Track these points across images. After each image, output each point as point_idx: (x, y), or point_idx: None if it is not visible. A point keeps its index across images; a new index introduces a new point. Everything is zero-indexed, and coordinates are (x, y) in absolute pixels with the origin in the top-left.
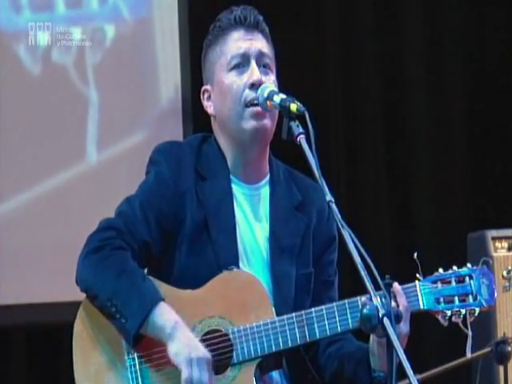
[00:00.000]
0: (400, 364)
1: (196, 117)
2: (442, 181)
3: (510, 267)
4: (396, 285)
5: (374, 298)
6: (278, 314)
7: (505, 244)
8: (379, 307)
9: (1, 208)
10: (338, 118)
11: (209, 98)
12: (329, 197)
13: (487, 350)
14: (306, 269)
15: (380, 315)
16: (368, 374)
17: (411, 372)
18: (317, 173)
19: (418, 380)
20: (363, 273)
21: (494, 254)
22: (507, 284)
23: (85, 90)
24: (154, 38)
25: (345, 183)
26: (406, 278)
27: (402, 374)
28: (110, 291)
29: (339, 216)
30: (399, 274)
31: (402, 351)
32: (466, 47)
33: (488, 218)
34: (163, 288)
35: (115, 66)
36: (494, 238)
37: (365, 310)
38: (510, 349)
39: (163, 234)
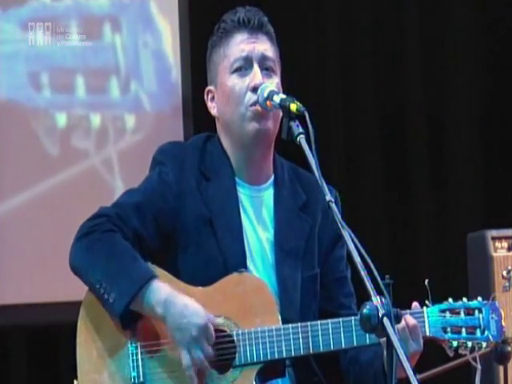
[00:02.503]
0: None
1: (196, 117)
2: (441, 180)
3: (509, 267)
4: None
5: (373, 298)
6: (284, 317)
7: (505, 244)
8: (379, 307)
9: (1, 208)
10: (338, 118)
11: (212, 98)
12: (329, 197)
13: (487, 350)
14: (312, 270)
15: (380, 315)
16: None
17: (411, 372)
18: (317, 173)
19: (418, 380)
20: (363, 273)
21: (494, 254)
22: (507, 284)
23: (106, 177)
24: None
25: (345, 183)
26: (406, 279)
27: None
28: (99, 274)
29: (339, 216)
30: (399, 274)
31: (402, 351)
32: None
33: (488, 218)
34: (172, 282)
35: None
36: (493, 238)
37: (365, 310)
38: (509, 349)
39: (161, 234)
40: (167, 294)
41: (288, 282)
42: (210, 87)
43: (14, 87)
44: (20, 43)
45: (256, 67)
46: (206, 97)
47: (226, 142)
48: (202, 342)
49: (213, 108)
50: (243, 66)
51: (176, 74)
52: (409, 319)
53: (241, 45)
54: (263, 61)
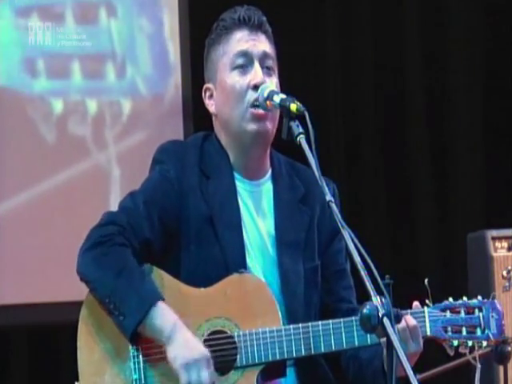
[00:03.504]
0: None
1: (197, 116)
2: (442, 180)
3: (509, 267)
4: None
5: (373, 298)
6: (288, 309)
7: (505, 244)
8: (379, 307)
9: (1, 208)
10: (338, 118)
11: (210, 96)
12: (328, 197)
13: (487, 350)
14: (312, 262)
15: (380, 315)
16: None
17: (411, 372)
18: (317, 173)
19: (417, 380)
20: (363, 273)
21: (494, 254)
22: (507, 284)
23: (102, 162)
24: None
25: (344, 183)
26: (406, 279)
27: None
28: (108, 288)
29: (339, 216)
30: (399, 274)
31: (402, 351)
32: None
33: (489, 218)
34: (173, 284)
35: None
36: (493, 238)
37: (365, 310)
38: (510, 349)
39: (165, 232)
40: (175, 320)
41: (290, 274)
42: (208, 85)
43: (10, 74)
44: (15, 29)
45: (257, 65)
46: (203, 94)
47: (224, 139)
48: (202, 366)
49: (211, 105)
50: (244, 64)
51: (172, 56)
52: (409, 320)
53: (241, 42)
54: (264, 59)
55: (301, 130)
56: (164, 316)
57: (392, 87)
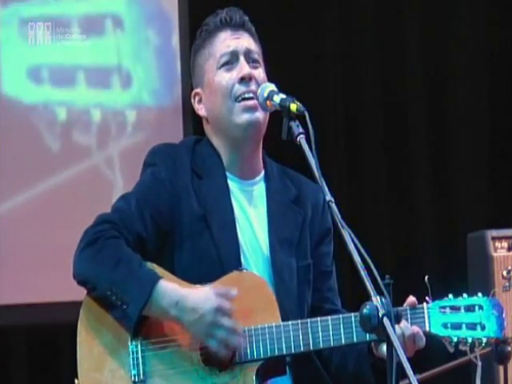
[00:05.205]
0: (400, 364)
1: (196, 117)
2: (442, 180)
3: (509, 267)
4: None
5: (373, 298)
6: (281, 306)
7: (505, 244)
8: (379, 307)
9: (1, 208)
10: (338, 117)
11: (199, 101)
12: (329, 197)
13: (487, 349)
14: (305, 260)
15: (380, 315)
16: (370, 366)
17: (411, 372)
18: (317, 173)
19: (418, 380)
20: (363, 273)
21: (494, 254)
22: (507, 284)
23: (107, 173)
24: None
25: (345, 183)
26: (406, 279)
27: (402, 374)
28: (109, 281)
29: (339, 216)
30: (399, 274)
31: (402, 351)
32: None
33: (489, 218)
34: (174, 281)
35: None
36: (493, 238)
37: (365, 310)
38: (510, 349)
39: (159, 232)
40: (177, 295)
41: (284, 271)
42: (197, 89)
43: (15, 82)
44: (21, 39)
45: (242, 59)
46: (192, 100)
47: (215, 141)
48: (219, 321)
49: (200, 109)
50: (229, 61)
51: (178, 69)
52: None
53: (225, 41)
54: (248, 54)
55: (301, 130)
56: (166, 296)
57: (393, 87)
